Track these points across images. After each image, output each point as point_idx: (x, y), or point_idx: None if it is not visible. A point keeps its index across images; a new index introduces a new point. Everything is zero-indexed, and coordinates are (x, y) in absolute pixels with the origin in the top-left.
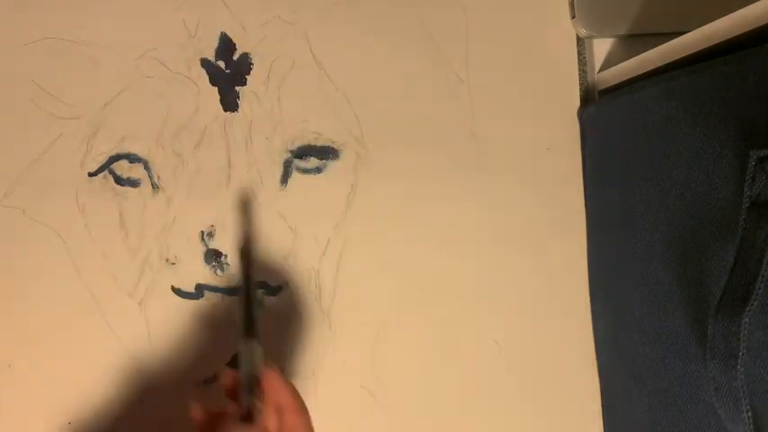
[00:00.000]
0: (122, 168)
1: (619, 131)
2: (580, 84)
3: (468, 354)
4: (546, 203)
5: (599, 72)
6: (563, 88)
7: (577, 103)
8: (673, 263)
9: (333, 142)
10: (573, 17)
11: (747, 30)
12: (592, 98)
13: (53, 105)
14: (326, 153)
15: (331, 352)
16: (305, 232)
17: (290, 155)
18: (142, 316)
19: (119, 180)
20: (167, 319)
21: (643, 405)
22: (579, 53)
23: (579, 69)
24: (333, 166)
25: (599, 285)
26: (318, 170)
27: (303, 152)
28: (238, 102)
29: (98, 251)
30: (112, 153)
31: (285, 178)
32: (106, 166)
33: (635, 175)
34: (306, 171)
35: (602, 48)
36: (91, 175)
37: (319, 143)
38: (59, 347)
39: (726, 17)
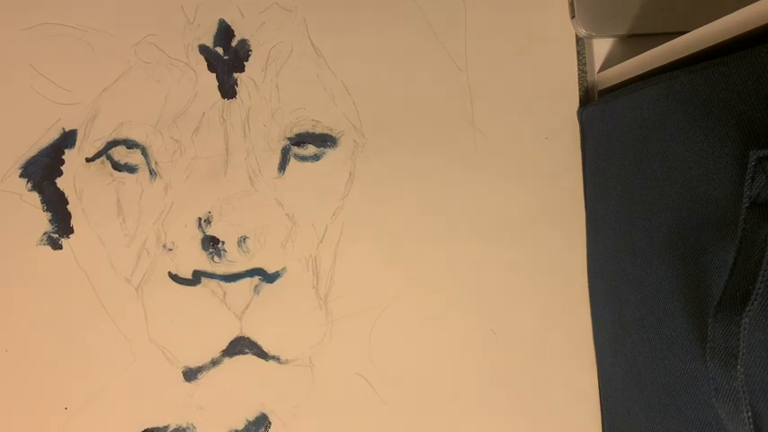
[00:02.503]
0: (120, 154)
1: (619, 131)
2: (580, 84)
3: (465, 342)
4: (544, 192)
5: (599, 72)
6: (562, 77)
7: (576, 91)
8: (673, 263)
9: (331, 130)
10: (573, 17)
11: (747, 30)
12: (592, 98)
13: (51, 91)
14: (324, 141)
15: (328, 339)
16: (302, 219)
17: (287, 142)
18: (139, 302)
19: (116, 166)
20: (164, 305)
21: (642, 405)
22: (579, 53)
23: (579, 69)
24: (331, 153)
25: (599, 285)
26: (316, 158)
27: (301, 139)
28: (236, 88)
29: (95, 237)
30: (110, 139)
31: (283, 165)
32: (104, 152)
33: (635, 174)
34: (304, 159)
35: (602, 48)
36: (88, 160)
37: (317, 131)
38: (56, 333)
39: (726, 17)
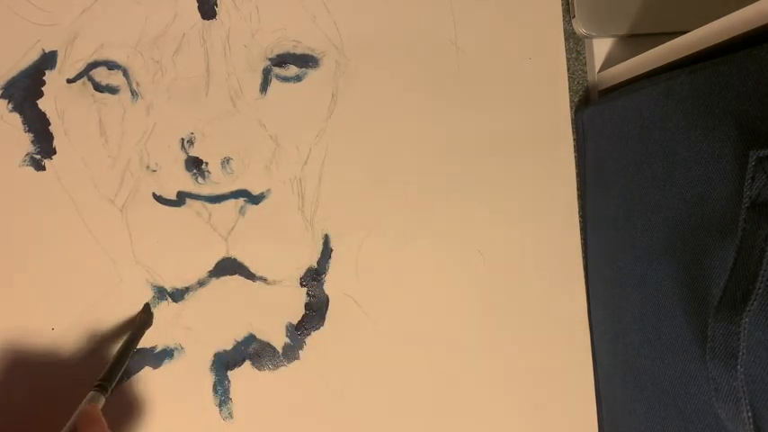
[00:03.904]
0: (101, 75)
1: (619, 131)
2: (580, 84)
3: (451, 263)
4: (529, 114)
5: (599, 72)
6: None
7: (560, 12)
8: (673, 263)
9: (312, 50)
10: (573, 17)
11: (747, 30)
12: (592, 98)
13: (30, 12)
14: (306, 61)
15: (315, 261)
16: (286, 141)
17: (268, 63)
18: (124, 223)
19: (98, 87)
20: (149, 226)
21: (642, 405)
22: (579, 53)
23: (579, 69)
24: (313, 74)
25: (598, 286)
26: (298, 78)
27: (282, 60)
28: (216, 9)
29: (78, 158)
30: (91, 60)
31: (265, 86)
32: (85, 73)
33: (635, 175)
34: (285, 79)
35: (602, 48)
36: (69, 81)
37: (298, 51)
38: (40, 254)
39: (726, 17)
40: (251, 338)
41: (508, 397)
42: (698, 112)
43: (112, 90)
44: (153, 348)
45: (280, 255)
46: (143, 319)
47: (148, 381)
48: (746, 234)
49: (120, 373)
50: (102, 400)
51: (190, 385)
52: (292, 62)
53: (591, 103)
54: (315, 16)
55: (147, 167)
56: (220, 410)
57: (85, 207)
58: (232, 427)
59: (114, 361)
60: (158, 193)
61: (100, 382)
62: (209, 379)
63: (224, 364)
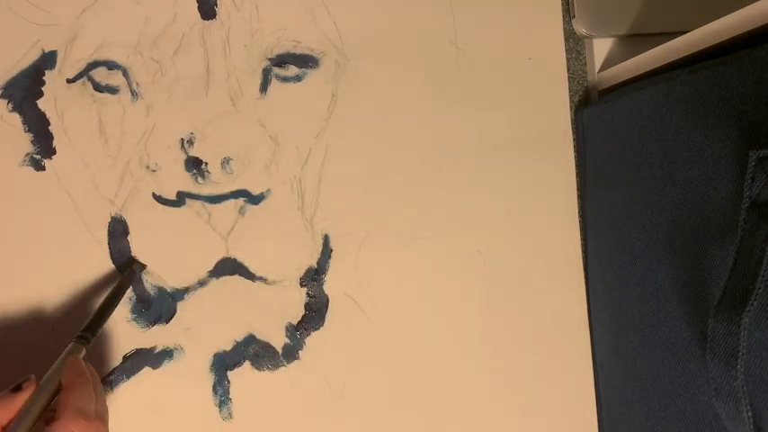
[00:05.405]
0: (101, 75)
1: (619, 131)
2: (580, 84)
3: (451, 262)
4: (529, 114)
5: (599, 72)
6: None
7: (560, 12)
8: (673, 263)
9: (312, 50)
10: (573, 17)
11: (747, 30)
12: (592, 98)
13: (30, 12)
14: (306, 61)
15: (314, 261)
16: (286, 141)
17: (268, 63)
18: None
19: (97, 87)
20: (149, 226)
21: (642, 405)
22: (579, 53)
23: (579, 69)
24: (313, 74)
25: (598, 286)
26: (298, 78)
27: (282, 60)
28: (216, 9)
29: (78, 158)
30: (91, 60)
31: (264, 86)
32: (85, 73)
33: (635, 175)
34: (285, 79)
35: (602, 48)
36: (69, 81)
37: (298, 51)
38: (40, 253)
39: (726, 17)
40: (251, 339)
41: (508, 397)
42: (698, 112)
43: (112, 90)
44: (153, 349)
45: (280, 255)
46: (129, 274)
47: (148, 381)
48: (746, 234)
49: (101, 326)
50: (83, 351)
51: (189, 386)
52: (292, 62)
53: (591, 103)
54: (315, 16)
55: (147, 167)
56: (220, 411)
57: (85, 207)
58: (232, 427)
59: (96, 313)
60: (158, 193)
61: (81, 333)
62: (208, 379)
63: (224, 364)
